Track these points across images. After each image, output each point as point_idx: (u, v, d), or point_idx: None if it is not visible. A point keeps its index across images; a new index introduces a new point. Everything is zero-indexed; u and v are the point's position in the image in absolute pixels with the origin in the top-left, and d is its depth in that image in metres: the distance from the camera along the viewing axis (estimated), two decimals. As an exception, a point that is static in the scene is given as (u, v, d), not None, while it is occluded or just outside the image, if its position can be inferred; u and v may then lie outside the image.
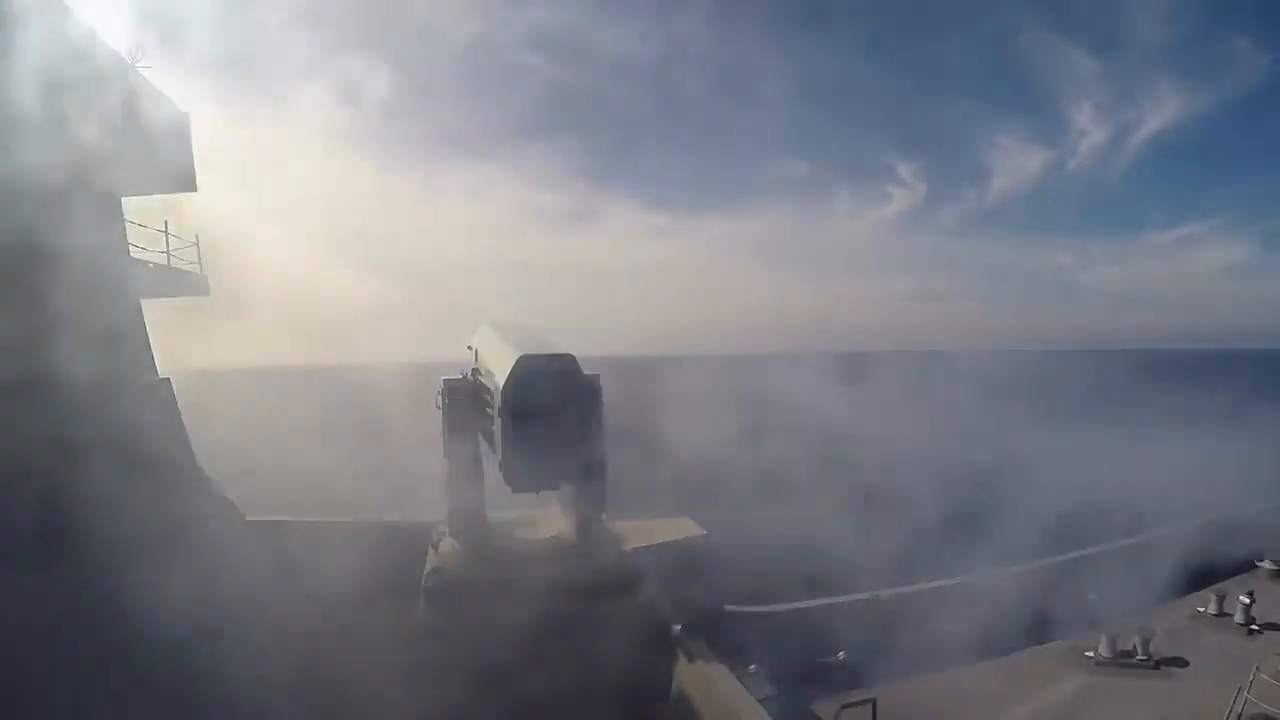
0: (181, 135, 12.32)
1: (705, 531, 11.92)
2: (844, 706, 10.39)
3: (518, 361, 8.49)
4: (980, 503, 19.71)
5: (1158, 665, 12.58)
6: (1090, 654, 12.95)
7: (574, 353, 8.98)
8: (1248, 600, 14.33)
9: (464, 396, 9.80)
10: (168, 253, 12.15)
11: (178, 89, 11.91)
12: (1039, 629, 13.12)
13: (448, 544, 9.89)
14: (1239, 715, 10.03)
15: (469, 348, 10.82)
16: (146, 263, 11.71)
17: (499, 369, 8.87)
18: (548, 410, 8.52)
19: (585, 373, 9.13)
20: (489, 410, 9.20)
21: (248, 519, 13.53)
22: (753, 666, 10.83)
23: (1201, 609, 14.77)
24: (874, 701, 10.35)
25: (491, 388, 9.17)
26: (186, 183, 12.82)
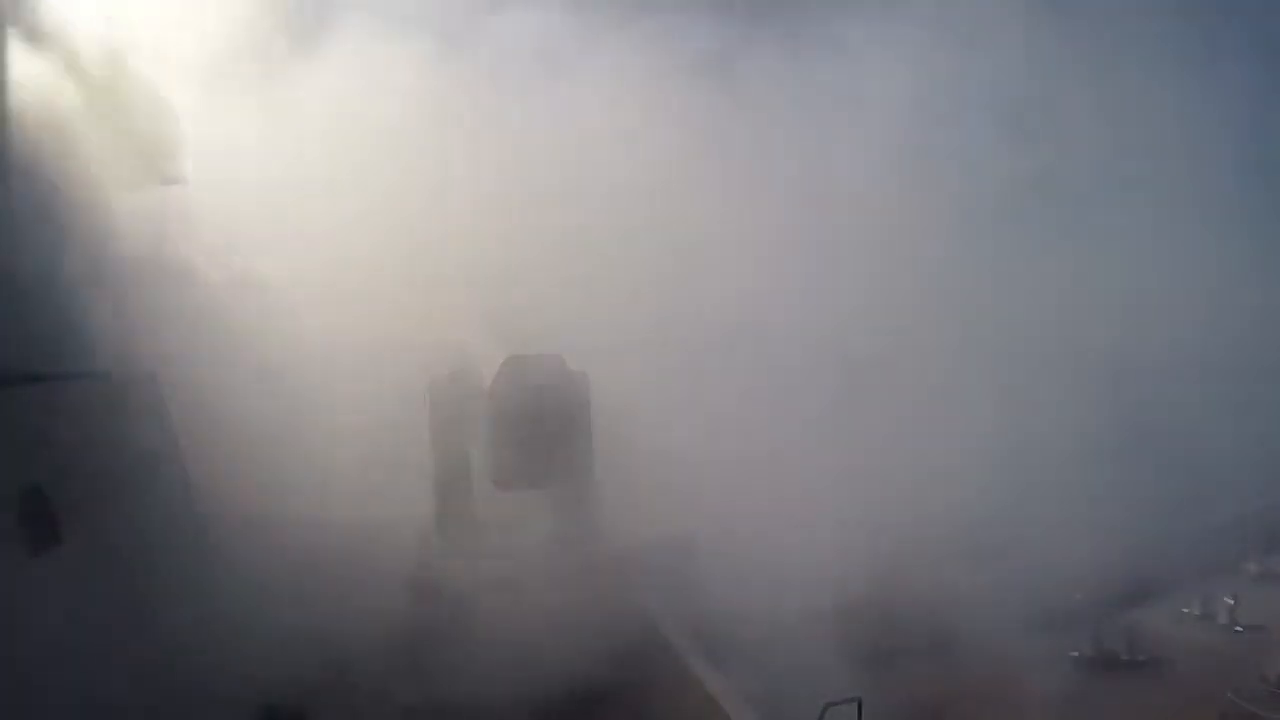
0: (168, 126, 12.16)
1: (693, 531, 11.93)
2: (829, 705, 10.42)
3: (505, 362, 8.54)
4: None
5: (1142, 665, 12.69)
6: (1075, 653, 13.05)
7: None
8: (1232, 602, 14.44)
9: (452, 394, 9.78)
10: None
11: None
12: (1024, 627, 13.17)
13: (435, 541, 9.90)
14: (1223, 716, 10.13)
15: (456, 340, 10.80)
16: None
17: (486, 368, 8.90)
18: (535, 410, 8.56)
19: (573, 371, 9.15)
20: (476, 409, 9.21)
21: (237, 516, 13.46)
22: (739, 665, 10.87)
23: (1186, 609, 14.88)
24: (860, 701, 10.38)
25: (480, 386, 9.20)
26: (174, 174, 12.68)
